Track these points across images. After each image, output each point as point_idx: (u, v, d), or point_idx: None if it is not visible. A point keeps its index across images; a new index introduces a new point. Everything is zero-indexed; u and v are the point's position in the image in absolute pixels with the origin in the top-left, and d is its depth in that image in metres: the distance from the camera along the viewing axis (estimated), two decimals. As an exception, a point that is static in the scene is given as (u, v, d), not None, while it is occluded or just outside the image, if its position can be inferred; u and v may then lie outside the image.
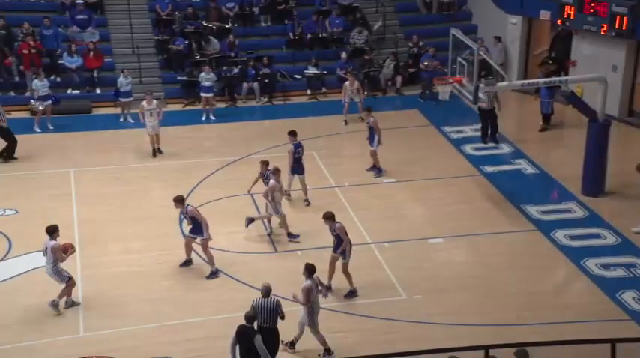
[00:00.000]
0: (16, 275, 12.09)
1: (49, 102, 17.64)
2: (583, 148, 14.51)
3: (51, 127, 17.55)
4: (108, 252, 12.75)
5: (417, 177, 15.31)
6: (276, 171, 12.93)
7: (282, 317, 9.69)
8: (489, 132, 16.59)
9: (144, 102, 16.17)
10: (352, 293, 11.52)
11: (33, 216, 13.71)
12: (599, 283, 11.93)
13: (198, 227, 11.93)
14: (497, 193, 14.81)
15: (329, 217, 11.40)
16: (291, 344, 10.35)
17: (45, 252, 11.03)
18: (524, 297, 11.60)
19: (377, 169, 15.41)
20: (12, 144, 16.22)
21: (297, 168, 14.29)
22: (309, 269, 10.12)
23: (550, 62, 18.57)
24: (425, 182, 15.21)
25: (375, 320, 10.96)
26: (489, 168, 15.84)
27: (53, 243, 10.97)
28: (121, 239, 13.13)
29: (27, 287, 11.80)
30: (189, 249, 12.26)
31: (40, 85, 17.55)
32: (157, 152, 16.25)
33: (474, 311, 11.22)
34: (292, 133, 14.37)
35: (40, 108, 17.57)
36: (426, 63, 19.33)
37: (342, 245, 11.27)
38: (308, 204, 14.11)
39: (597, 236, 13.27)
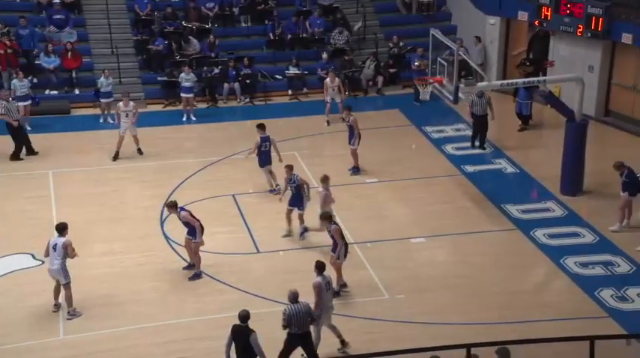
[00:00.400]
0: (-4, 278, 11.96)
1: (28, 102, 17.46)
2: (561, 148, 14.68)
3: (29, 128, 17.37)
4: (89, 254, 12.61)
5: (398, 177, 15.38)
6: (326, 179, 12.74)
7: (313, 321, 9.61)
8: (478, 137, 16.74)
9: (120, 104, 16.06)
10: (336, 294, 11.52)
11: (11, 218, 13.56)
12: (578, 281, 12.08)
13: (193, 229, 11.87)
14: (478, 193, 14.94)
15: (325, 218, 11.42)
16: (342, 344, 10.29)
17: (54, 248, 10.87)
18: (506, 296, 11.71)
19: (355, 168, 15.44)
20: (20, 144, 16.12)
21: (265, 160, 14.37)
22: (320, 267, 10.11)
23: (527, 64, 18.76)
24: (406, 182, 15.29)
25: (358, 320, 11.00)
26: (470, 168, 15.97)
27: (65, 239, 10.91)
28: (102, 240, 13.03)
29: (6, 291, 11.67)
30: (189, 250, 12.13)
31: (18, 84, 17.36)
32: (117, 156, 15.95)
33: (457, 310, 11.31)
34: (261, 126, 14.52)
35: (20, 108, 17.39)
36: (417, 63, 19.05)
37: (337, 247, 11.29)
38: (278, 193, 14.00)
39: (576, 234, 13.43)
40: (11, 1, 20.80)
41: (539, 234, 13.39)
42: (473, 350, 8.45)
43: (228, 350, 9.27)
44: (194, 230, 11.83)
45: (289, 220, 13.03)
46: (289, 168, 13.14)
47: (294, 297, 9.56)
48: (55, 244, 10.87)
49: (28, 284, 11.80)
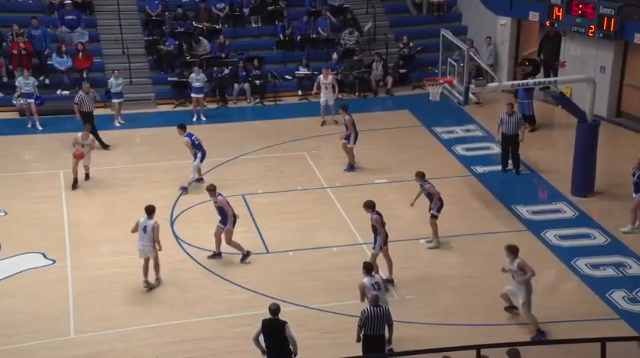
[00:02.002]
0: (6, 278, 12.01)
1: (32, 100, 17.54)
2: (572, 149, 14.59)
3: (40, 128, 17.46)
4: (98, 254, 12.70)
5: (407, 178, 15.30)
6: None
7: (390, 325, 9.61)
8: (511, 161, 15.50)
9: (79, 135, 14.97)
10: (389, 282, 11.71)
11: (22, 217, 13.63)
12: (589, 283, 12.00)
13: (226, 216, 12.16)
14: (488, 193, 14.88)
15: (369, 206, 11.61)
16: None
17: (144, 230, 11.38)
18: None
19: (349, 166, 15.46)
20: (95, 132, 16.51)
21: (202, 153, 14.67)
22: (368, 268, 10.21)
23: (527, 64, 18.65)
24: (416, 182, 15.22)
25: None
26: (480, 169, 15.91)
27: (153, 221, 11.39)
28: (112, 240, 13.07)
29: (17, 290, 11.73)
30: (218, 239, 12.33)
31: (23, 82, 17.48)
32: (76, 184, 14.87)
33: (466, 311, 11.26)
34: (181, 126, 14.87)
35: (24, 105, 17.53)
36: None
37: (378, 237, 11.51)
38: (186, 189, 14.38)
39: (587, 236, 13.35)
40: (23, 1, 20.92)
41: (550, 235, 13.32)
42: (483, 352, 8.41)
43: (259, 342, 9.26)
44: (226, 217, 12.08)
45: None
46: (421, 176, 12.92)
47: (375, 300, 9.53)
48: (145, 226, 11.40)
49: (39, 284, 11.86)
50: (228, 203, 12.17)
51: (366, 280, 10.05)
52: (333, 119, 17.63)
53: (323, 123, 17.86)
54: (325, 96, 17.76)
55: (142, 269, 11.65)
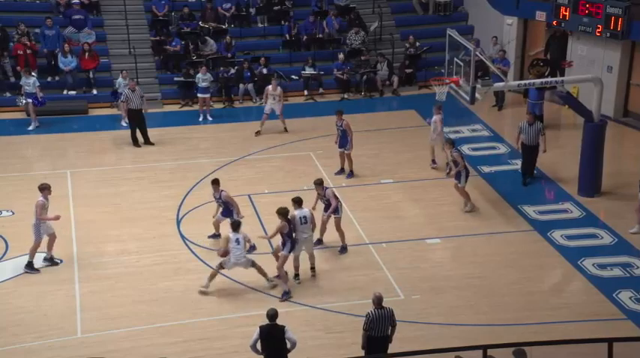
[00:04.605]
0: (14, 277, 12.05)
1: (31, 100, 17.56)
2: (579, 149, 14.54)
3: (31, 128, 17.44)
4: (105, 253, 12.73)
5: (414, 178, 15.32)
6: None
7: (394, 325, 9.57)
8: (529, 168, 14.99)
9: None
10: (344, 249, 12.55)
11: (30, 217, 13.63)
12: (596, 283, 11.96)
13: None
14: (495, 193, 14.84)
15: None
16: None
17: (237, 242, 11.37)
18: (522, 297, 11.62)
19: (350, 172, 15.32)
20: (142, 131, 16.79)
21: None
22: (298, 201, 11.64)
23: (541, 64, 18.60)
24: (422, 182, 15.22)
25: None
26: (486, 169, 15.87)
27: (244, 233, 11.58)
28: (118, 240, 13.10)
29: (24, 289, 11.77)
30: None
31: (24, 82, 17.52)
32: None
33: (472, 311, 11.25)
34: (215, 182, 13.16)
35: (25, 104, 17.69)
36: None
37: (331, 207, 12.34)
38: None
39: (594, 236, 13.31)
40: (31, 1, 21.00)
41: (557, 235, 13.28)
42: (489, 352, 8.39)
43: (256, 348, 9.22)
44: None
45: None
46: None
47: (378, 302, 9.45)
48: (237, 238, 11.40)
49: (45, 284, 11.90)
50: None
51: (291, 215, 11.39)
52: (283, 128, 17.28)
53: (258, 133, 17.22)
54: (271, 106, 17.25)
55: (259, 272, 11.61)
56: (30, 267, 12.13)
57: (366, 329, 9.41)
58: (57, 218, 12.20)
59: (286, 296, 11.44)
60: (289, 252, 11.58)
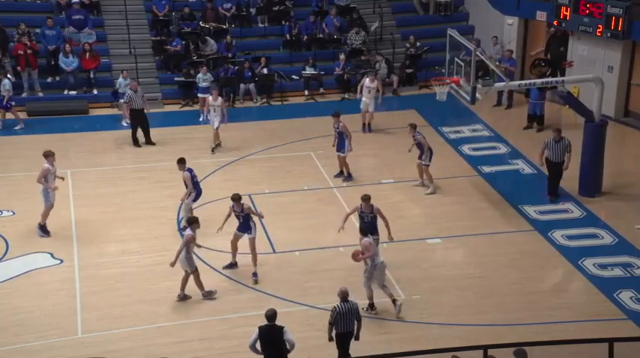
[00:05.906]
0: (14, 277, 12.06)
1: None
2: (580, 149, 14.54)
3: (16, 127, 17.53)
4: (105, 253, 12.73)
5: (414, 178, 15.31)
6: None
7: (359, 320, 9.67)
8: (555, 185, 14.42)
9: None
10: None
11: (30, 217, 13.66)
12: (596, 283, 11.96)
13: (246, 225, 11.90)
14: (495, 193, 14.84)
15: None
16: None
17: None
18: (522, 297, 11.62)
19: (348, 175, 15.20)
20: (144, 129, 16.85)
21: (198, 192, 13.55)
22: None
23: (543, 64, 18.59)
24: (422, 182, 15.20)
25: (373, 320, 10.96)
26: (487, 169, 15.87)
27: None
28: (118, 240, 13.11)
29: (24, 289, 11.77)
30: (234, 248, 12.08)
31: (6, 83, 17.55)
32: None
33: (472, 311, 11.25)
34: (180, 161, 13.42)
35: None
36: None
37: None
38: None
39: (595, 236, 13.30)
40: (31, 1, 21.00)
41: (557, 235, 13.28)
42: (490, 352, 8.39)
43: (255, 348, 9.21)
44: (248, 225, 11.90)
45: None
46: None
47: (344, 296, 9.58)
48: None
49: (46, 283, 11.91)
50: (254, 211, 12.06)
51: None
52: (217, 143, 16.54)
53: (214, 150, 16.45)
54: (213, 118, 16.42)
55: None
56: (43, 229, 12.97)
57: (331, 322, 9.62)
58: (55, 188, 12.92)
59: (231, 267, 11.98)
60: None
